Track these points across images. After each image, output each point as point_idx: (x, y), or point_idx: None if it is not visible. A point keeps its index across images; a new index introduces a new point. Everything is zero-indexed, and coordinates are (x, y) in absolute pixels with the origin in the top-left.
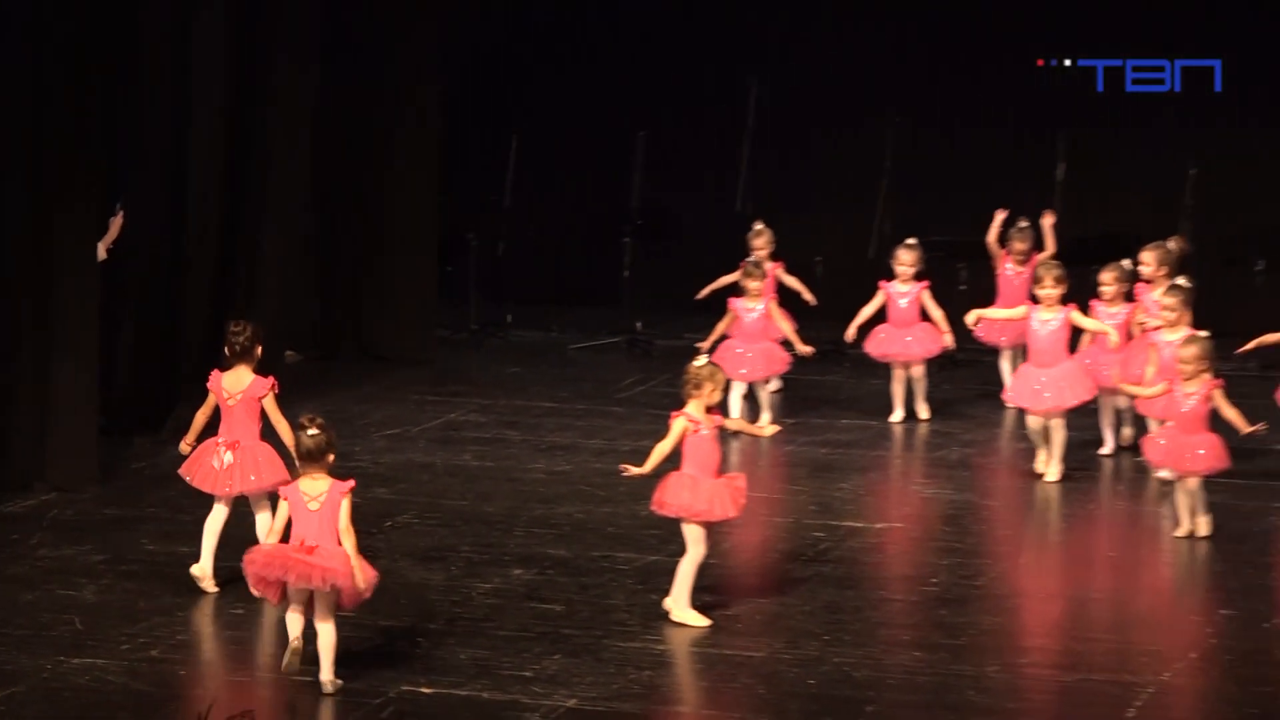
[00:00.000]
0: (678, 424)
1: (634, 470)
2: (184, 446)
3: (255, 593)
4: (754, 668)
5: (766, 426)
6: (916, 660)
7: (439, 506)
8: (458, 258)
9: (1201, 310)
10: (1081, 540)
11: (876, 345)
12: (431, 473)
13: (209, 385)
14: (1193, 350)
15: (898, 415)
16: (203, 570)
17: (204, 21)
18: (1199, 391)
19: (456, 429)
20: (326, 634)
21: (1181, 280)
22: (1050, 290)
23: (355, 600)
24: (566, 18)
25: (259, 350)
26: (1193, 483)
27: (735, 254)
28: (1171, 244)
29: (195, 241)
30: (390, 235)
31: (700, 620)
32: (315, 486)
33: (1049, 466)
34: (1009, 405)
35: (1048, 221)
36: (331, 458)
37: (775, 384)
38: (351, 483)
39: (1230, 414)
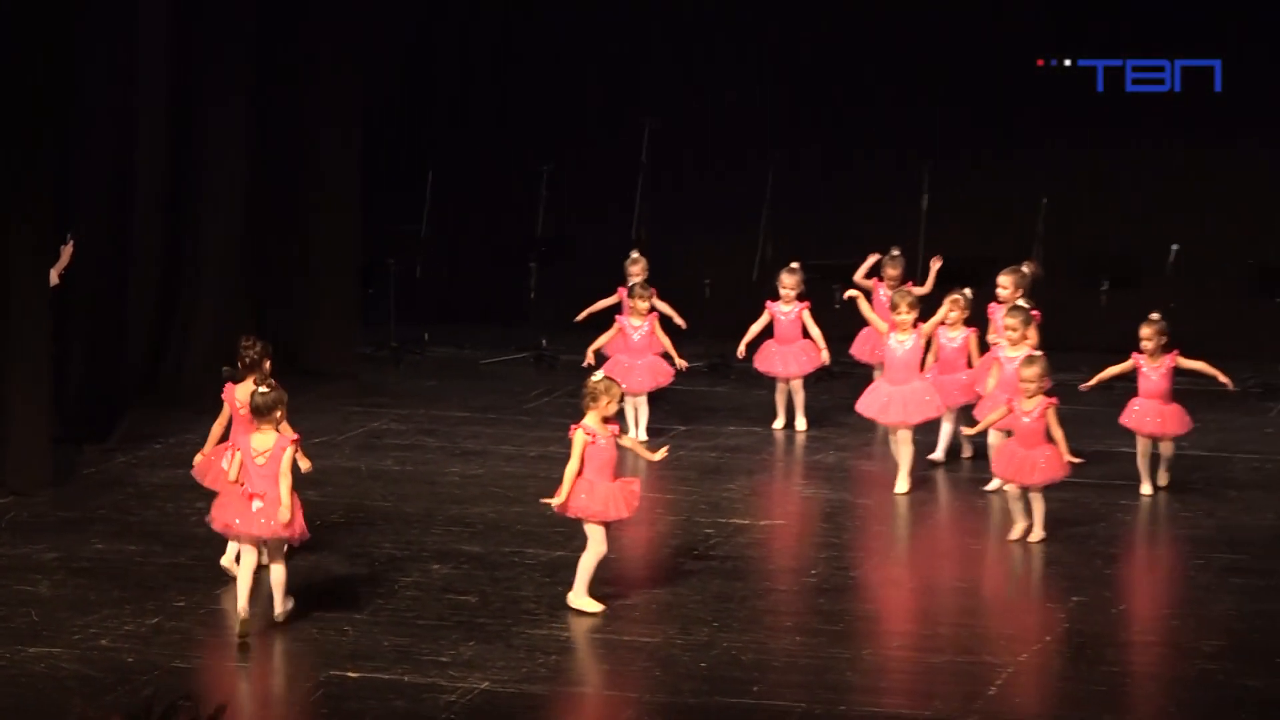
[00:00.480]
0: (577, 438)
1: (553, 501)
2: (199, 456)
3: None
4: (650, 652)
5: (657, 453)
6: (798, 645)
7: (363, 507)
8: (378, 281)
9: (1052, 329)
10: (944, 536)
11: (762, 360)
12: (356, 477)
13: (224, 396)
14: (1033, 370)
15: (779, 423)
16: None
17: (145, 62)
18: (1036, 409)
19: (378, 437)
20: (276, 572)
21: (1023, 302)
22: (904, 316)
23: (298, 540)
24: (478, 61)
25: (267, 364)
26: (1033, 493)
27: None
28: (1026, 267)
29: (139, 266)
30: (316, 261)
31: (595, 606)
32: (263, 441)
33: (898, 479)
34: (860, 414)
35: (935, 265)
36: (280, 414)
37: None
38: (295, 436)
39: (1058, 435)
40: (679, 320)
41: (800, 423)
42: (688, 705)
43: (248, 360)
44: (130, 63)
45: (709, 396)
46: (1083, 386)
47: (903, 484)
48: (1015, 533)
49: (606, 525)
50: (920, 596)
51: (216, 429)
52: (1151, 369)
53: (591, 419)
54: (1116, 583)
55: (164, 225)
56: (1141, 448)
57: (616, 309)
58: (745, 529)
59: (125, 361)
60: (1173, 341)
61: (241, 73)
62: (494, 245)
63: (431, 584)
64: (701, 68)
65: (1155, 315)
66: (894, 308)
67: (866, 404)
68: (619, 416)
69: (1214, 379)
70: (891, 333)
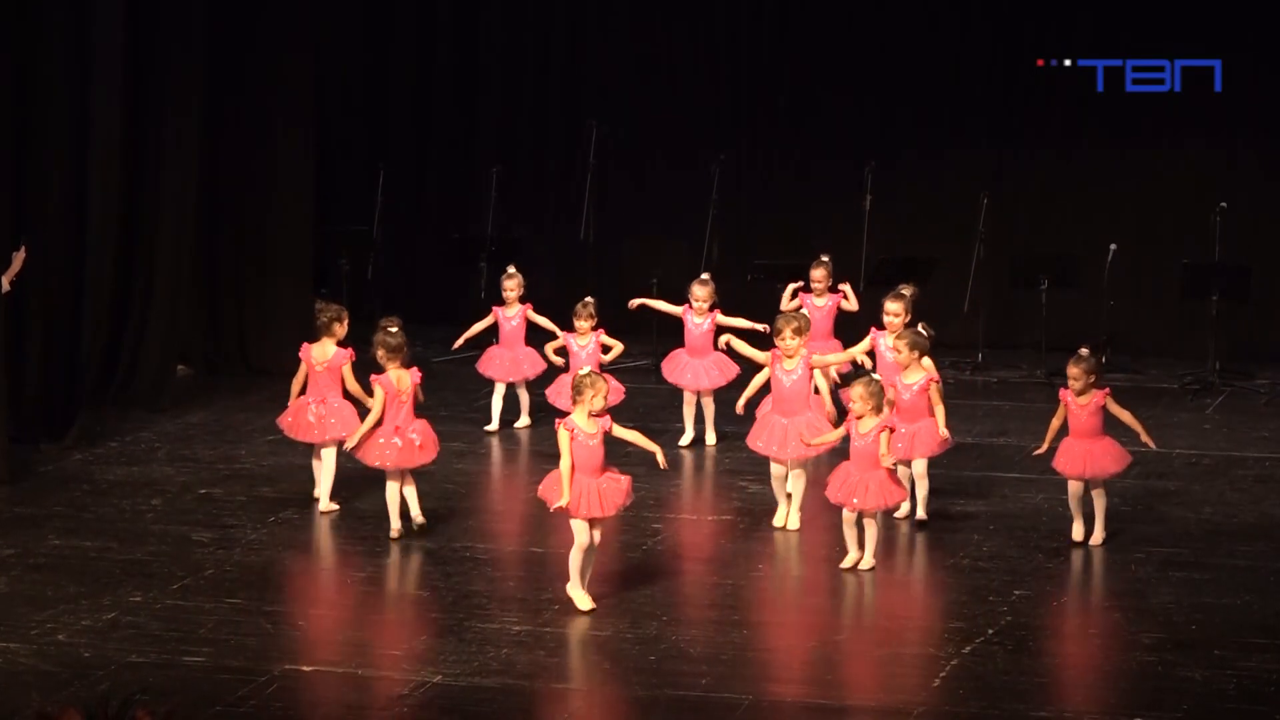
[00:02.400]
0: (561, 435)
1: (560, 504)
2: (286, 416)
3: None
4: (600, 645)
5: (659, 455)
6: (745, 638)
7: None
8: (331, 280)
9: (994, 327)
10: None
11: (672, 371)
12: (310, 474)
13: (300, 355)
14: (859, 390)
15: (686, 438)
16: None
17: (99, 65)
18: (872, 431)
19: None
20: (409, 492)
21: (921, 326)
22: (789, 342)
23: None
24: (429, 64)
25: (339, 327)
26: (867, 519)
27: (580, 276)
28: (906, 290)
29: (93, 267)
30: (270, 261)
31: (583, 602)
32: (404, 380)
33: (789, 516)
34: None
35: (845, 287)
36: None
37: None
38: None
39: (887, 461)
40: (559, 333)
41: (710, 437)
42: (637, 698)
43: (320, 324)
44: (84, 67)
45: (656, 393)
46: (1035, 453)
47: (794, 519)
48: (846, 562)
49: (591, 521)
50: (864, 591)
51: (295, 386)
52: (1080, 407)
53: (577, 414)
54: (1058, 576)
55: (118, 226)
56: (1072, 489)
57: (489, 335)
58: (693, 524)
59: (80, 361)
60: (1102, 379)
61: (194, 75)
62: (444, 245)
63: (384, 579)
64: (648, 69)
65: (1084, 351)
66: (777, 333)
67: (765, 441)
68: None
69: (1138, 435)
70: (776, 362)
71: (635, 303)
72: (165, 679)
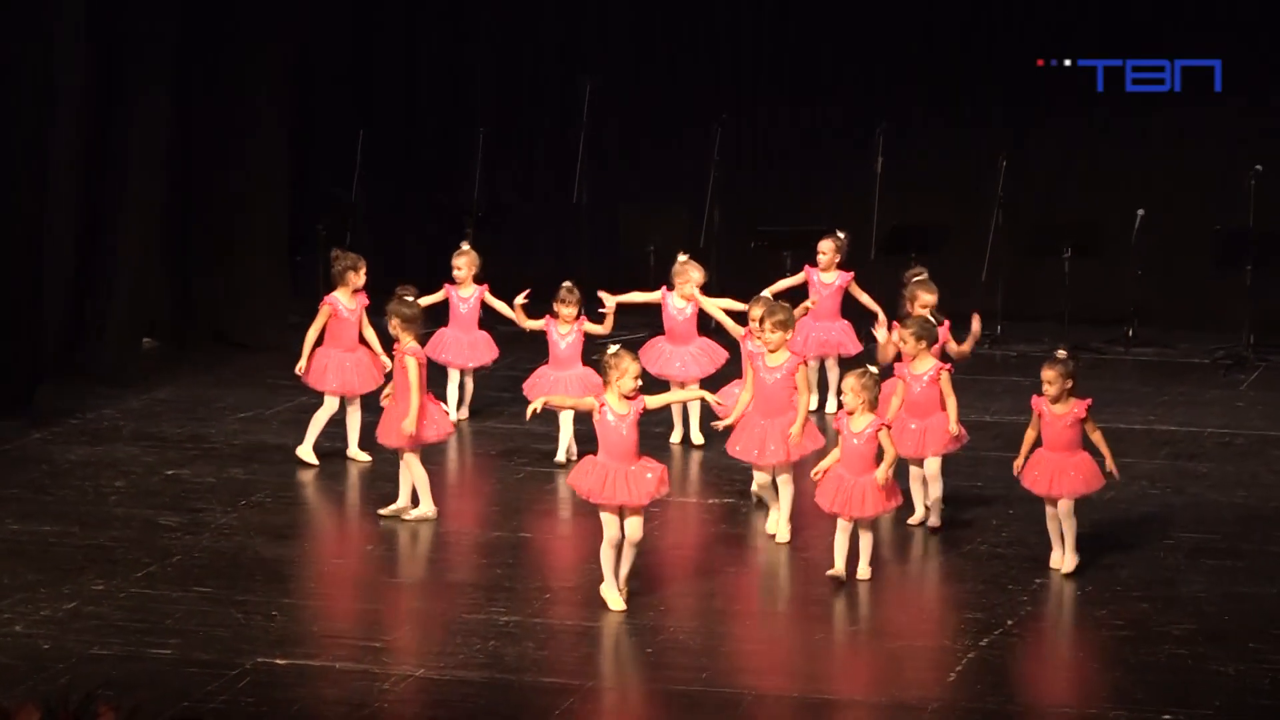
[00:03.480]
0: (587, 400)
1: (533, 406)
2: (302, 363)
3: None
4: (593, 637)
5: (710, 398)
6: (747, 629)
7: (292, 486)
8: (308, 249)
9: (1014, 297)
10: (899, 521)
11: (655, 362)
12: (284, 453)
13: (325, 302)
14: (852, 382)
15: (676, 435)
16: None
17: (64, 23)
18: (867, 429)
19: (308, 411)
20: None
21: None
22: (771, 335)
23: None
24: (412, 21)
25: (354, 276)
26: (862, 529)
27: (573, 243)
28: (842, 234)
29: (55, 238)
30: (243, 227)
31: (614, 602)
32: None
33: (779, 525)
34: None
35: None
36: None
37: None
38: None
39: (884, 473)
40: (521, 319)
41: (697, 436)
42: (632, 693)
43: (337, 270)
44: (47, 24)
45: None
46: (1016, 471)
47: (784, 530)
48: (835, 570)
49: (620, 511)
50: (874, 580)
51: (311, 335)
52: (1055, 418)
53: (611, 395)
54: (1082, 563)
55: (82, 193)
56: (1049, 510)
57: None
58: (691, 507)
59: (42, 336)
60: (1079, 386)
61: (165, 32)
62: (428, 211)
63: (364, 566)
64: (646, 25)
65: (1061, 353)
66: (753, 319)
67: (744, 445)
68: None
69: (1103, 461)
70: (759, 359)
71: (609, 303)
72: (129, 673)
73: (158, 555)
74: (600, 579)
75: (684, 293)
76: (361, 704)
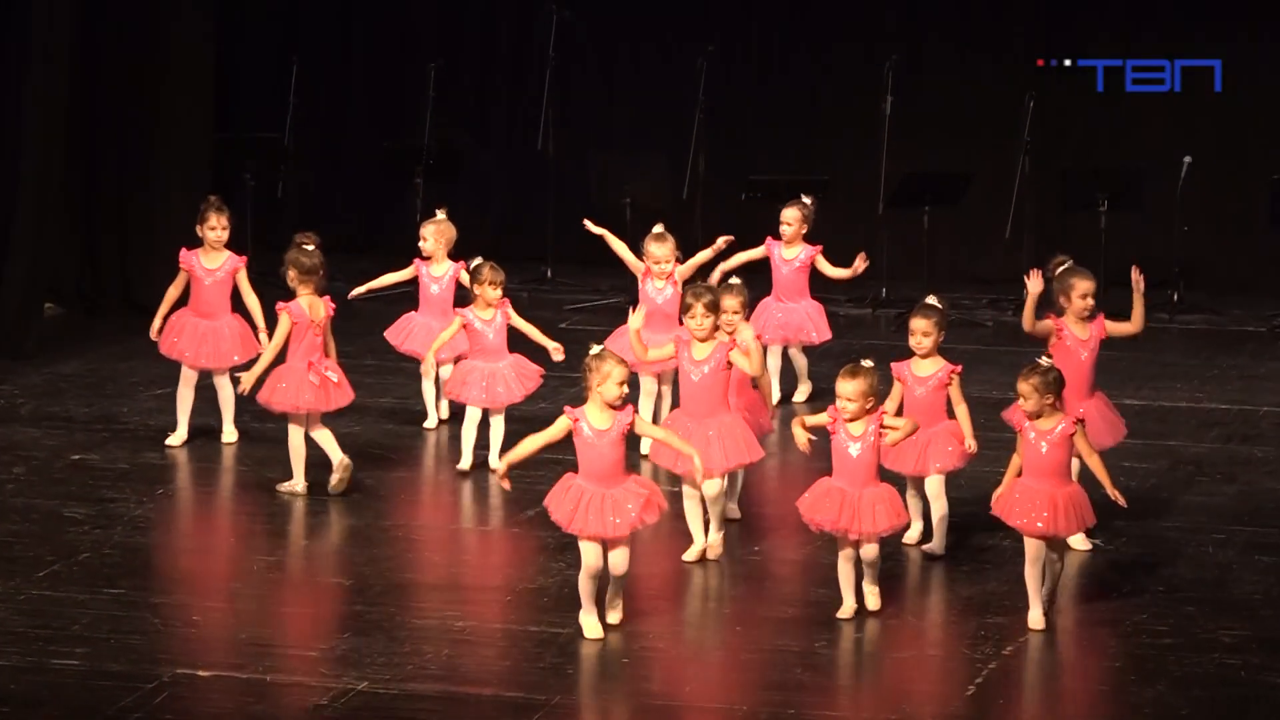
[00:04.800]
0: (559, 422)
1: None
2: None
3: None
4: (561, 645)
5: (696, 460)
6: (736, 636)
7: (215, 472)
8: (235, 199)
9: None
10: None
11: (629, 352)
12: (208, 436)
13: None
14: (850, 387)
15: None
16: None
17: None
18: (869, 433)
19: (234, 386)
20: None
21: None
22: (697, 321)
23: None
24: None
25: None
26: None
27: (537, 195)
28: (808, 198)
29: None
30: (157, 176)
31: (591, 630)
32: (317, 309)
33: (710, 537)
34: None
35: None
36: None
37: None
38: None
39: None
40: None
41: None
42: (604, 706)
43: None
44: None
45: None
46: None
47: (717, 545)
48: (844, 611)
49: (602, 541)
50: (881, 580)
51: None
52: (1040, 435)
53: (591, 406)
54: (1119, 561)
55: None
56: (1030, 551)
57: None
58: (673, 498)
59: None
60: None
61: None
62: (372, 157)
63: (297, 564)
64: None
65: (1045, 361)
66: (685, 309)
67: (660, 452)
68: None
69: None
70: (684, 348)
71: (596, 229)
72: (31, 686)
73: (63, 552)
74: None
75: (662, 272)
76: None
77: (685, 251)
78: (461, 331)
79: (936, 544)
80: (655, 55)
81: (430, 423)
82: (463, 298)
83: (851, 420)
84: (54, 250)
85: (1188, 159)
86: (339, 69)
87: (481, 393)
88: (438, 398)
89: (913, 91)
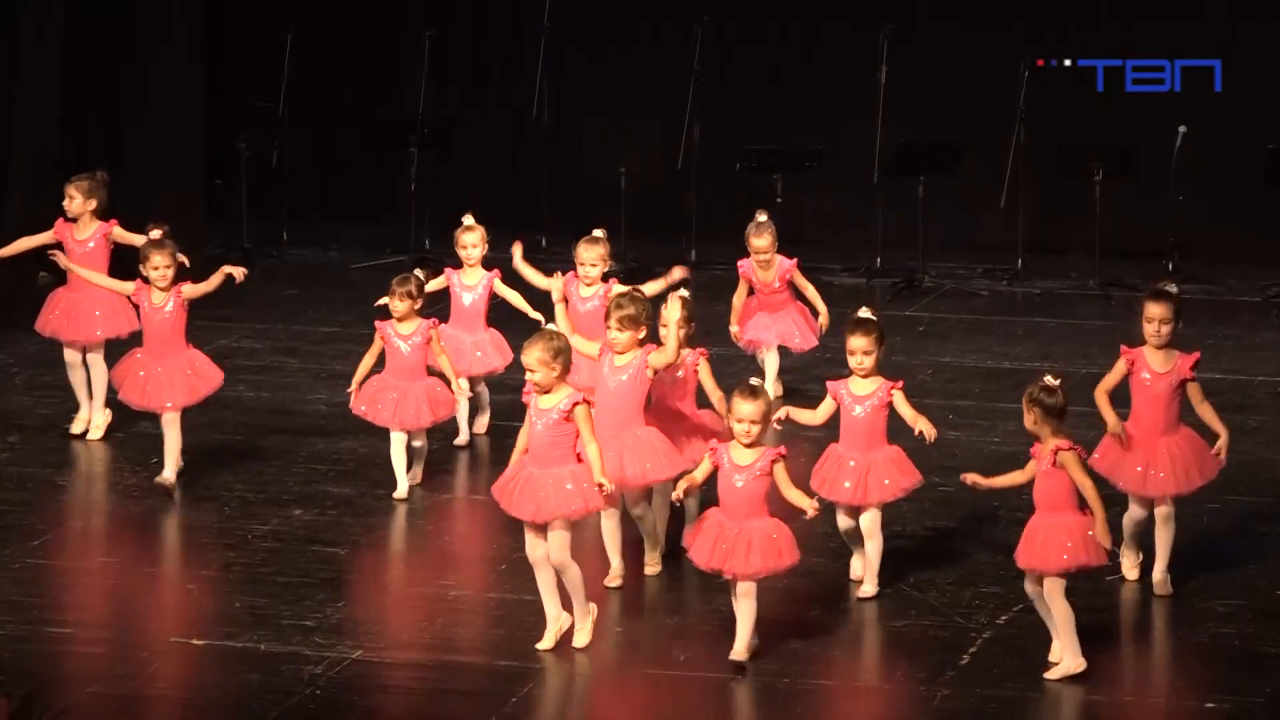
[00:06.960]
0: (579, 412)
1: (604, 485)
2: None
3: None
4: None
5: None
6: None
7: (210, 442)
8: (227, 170)
9: (1038, 226)
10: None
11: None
12: (201, 406)
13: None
14: (747, 407)
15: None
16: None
17: None
18: (759, 462)
19: (228, 356)
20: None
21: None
22: (616, 334)
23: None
24: None
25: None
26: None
27: (531, 165)
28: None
29: None
30: (151, 145)
31: (578, 639)
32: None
33: (650, 556)
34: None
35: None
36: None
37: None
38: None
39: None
40: None
41: None
42: (602, 677)
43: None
44: None
45: None
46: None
47: (655, 565)
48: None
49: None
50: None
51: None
52: (1041, 458)
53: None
54: (1114, 529)
55: None
56: (1030, 589)
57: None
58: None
59: None
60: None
61: None
62: (366, 126)
63: (293, 533)
64: None
65: (1051, 381)
66: (607, 316)
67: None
68: None
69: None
70: (604, 358)
71: (518, 260)
72: (23, 655)
73: (56, 521)
74: None
75: (589, 278)
76: (290, 691)
77: (675, 223)
78: (499, 344)
79: (870, 585)
80: (650, 25)
81: (462, 439)
82: (497, 307)
83: (752, 445)
84: (47, 220)
85: (1183, 129)
86: (333, 38)
87: (392, 412)
88: (472, 415)
89: (907, 61)
